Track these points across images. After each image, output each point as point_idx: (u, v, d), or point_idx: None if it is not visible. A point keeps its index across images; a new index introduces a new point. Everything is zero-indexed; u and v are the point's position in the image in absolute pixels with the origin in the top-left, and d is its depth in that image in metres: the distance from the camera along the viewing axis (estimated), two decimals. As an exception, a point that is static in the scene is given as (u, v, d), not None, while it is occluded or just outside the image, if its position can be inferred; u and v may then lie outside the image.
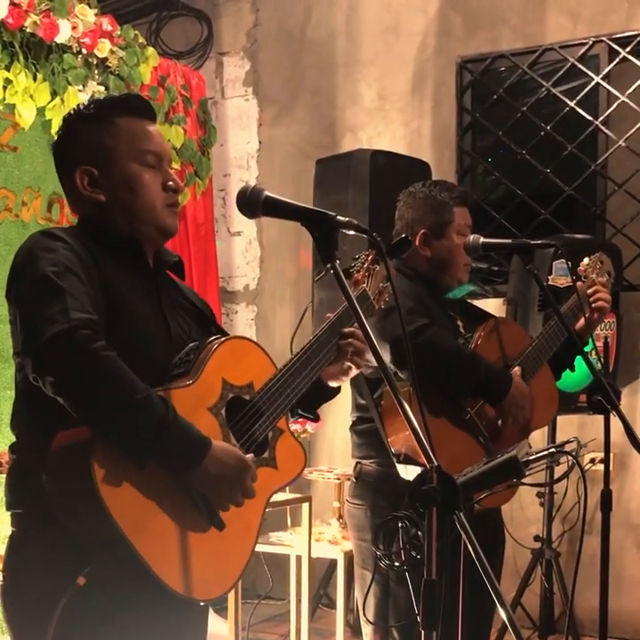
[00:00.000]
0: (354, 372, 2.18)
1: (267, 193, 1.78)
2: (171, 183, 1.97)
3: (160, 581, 1.73)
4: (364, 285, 2.28)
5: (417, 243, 2.87)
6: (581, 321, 2.92)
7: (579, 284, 2.94)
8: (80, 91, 3.97)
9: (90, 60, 4.04)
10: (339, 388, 2.22)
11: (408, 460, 2.63)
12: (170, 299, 2.02)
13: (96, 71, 4.07)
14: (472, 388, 2.68)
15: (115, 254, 1.91)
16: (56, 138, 2.03)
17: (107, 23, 4.08)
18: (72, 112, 1.99)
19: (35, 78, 3.81)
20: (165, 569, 1.74)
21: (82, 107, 1.99)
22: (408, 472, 2.59)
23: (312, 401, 2.15)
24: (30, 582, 1.80)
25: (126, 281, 1.90)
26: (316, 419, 2.24)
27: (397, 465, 2.64)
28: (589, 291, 2.92)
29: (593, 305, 2.90)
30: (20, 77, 3.73)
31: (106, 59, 4.08)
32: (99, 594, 1.74)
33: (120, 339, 1.76)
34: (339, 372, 2.16)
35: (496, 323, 2.87)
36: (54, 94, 3.89)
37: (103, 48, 4.04)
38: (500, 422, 2.72)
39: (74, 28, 3.90)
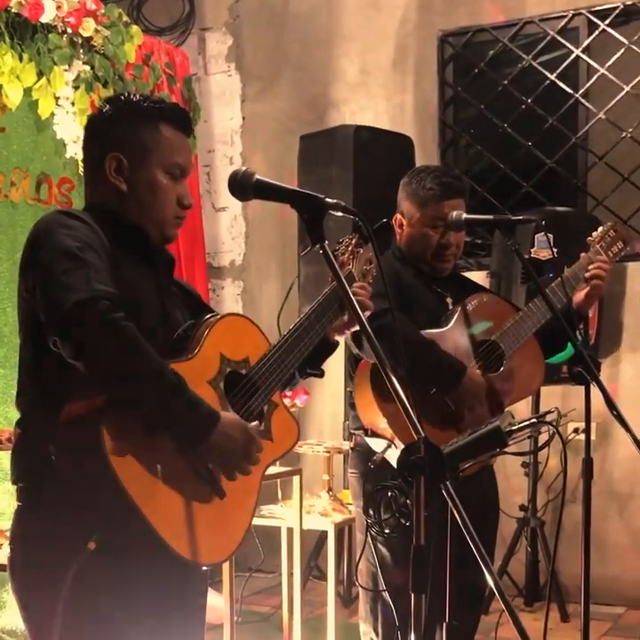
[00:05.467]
0: (355, 326, 2.30)
1: (257, 176, 1.84)
2: (186, 201, 2.08)
3: (168, 547, 1.81)
4: (350, 267, 2.38)
5: (395, 224, 2.98)
6: (581, 293, 2.89)
7: (582, 255, 2.93)
8: (66, 70, 3.99)
9: (75, 39, 4.06)
10: (338, 343, 2.35)
11: (375, 434, 2.76)
12: (167, 285, 2.11)
13: (81, 51, 4.09)
14: (422, 375, 2.69)
15: (120, 240, 1.99)
16: (97, 114, 2.10)
17: (91, 2, 4.09)
18: (123, 99, 2.08)
19: (21, 59, 3.83)
20: (172, 535, 1.82)
21: (134, 99, 2.07)
22: (376, 444, 2.73)
23: (316, 358, 2.26)
24: (39, 554, 1.86)
25: (129, 265, 1.98)
26: (322, 374, 2.34)
27: (366, 438, 2.78)
28: (591, 266, 2.89)
29: (587, 279, 2.88)
30: (6, 58, 3.75)
31: (91, 38, 4.10)
32: (108, 560, 1.80)
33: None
34: (343, 325, 2.29)
35: (477, 299, 2.91)
36: (40, 74, 3.91)
37: (88, 27, 4.06)
38: (454, 408, 2.76)
39: (58, 7, 3.92)
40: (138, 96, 2.10)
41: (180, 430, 1.83)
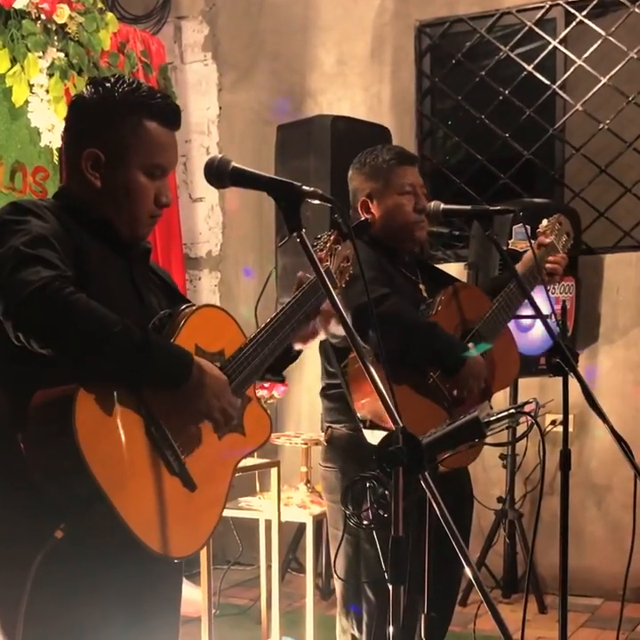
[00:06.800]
0: (321, 335, 2.27)
1: (234, 164, 1.82)
2: (164, 199, 2.02)
3: (137, 538, 1.79)
4: (327, 264, 2.35)
5: (362, 212, 2.93)
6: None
7: (540, 245, 2.97)
8: (40, 57, 3.94)
9: (49, 26, 4.01)
10: (299, 353, 2.32)
11: (374, 425, 2.70)
12: (142, 272, 2.08)
13: (55, 37, 4.04)
14: (429, 358, 2.73)
15: (88, 230, 1.95)
16: (81, 99, 2.01)
17: (65, -12, 4.05)
18: (110, 86, 1.97)
19: (-7, 45, 3.79)
20: (142, 526, 1.80)
21: (122, 88, 1.96)
22: (374, 437, 2.66)
23: (278, 364, 2.22)
24: (4, 544, 1.84)
25: (99, 253, 1.95)
26: (283, 380, 2.33)
27: (364, 430, 2.72)
28: (550, 258, 2.94)
29: (546, 268, 2.94)
30: (-22, 45, 3.71)
31: (65, 25, 4.05)
32: (75, 549, 1.78)
33: None
34: (306, 335, 2.24)
35: (457, 287, 2.91)
36: (14, 61, 3.87)
37: (62, 14, 4.01)
38: (455, 392, 2.77)
39: (32, -7, 3.88)
40: (126, 84, 1.98)
41: (160, 377, 1.82)
